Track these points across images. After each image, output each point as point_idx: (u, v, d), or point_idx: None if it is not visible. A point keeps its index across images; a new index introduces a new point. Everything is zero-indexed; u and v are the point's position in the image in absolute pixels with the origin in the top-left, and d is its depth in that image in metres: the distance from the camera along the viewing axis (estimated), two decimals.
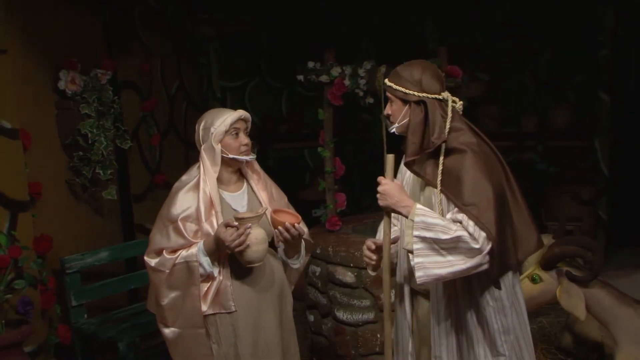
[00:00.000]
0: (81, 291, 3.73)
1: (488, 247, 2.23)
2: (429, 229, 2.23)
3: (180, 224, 2.56)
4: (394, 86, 2.41)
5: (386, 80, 2.46)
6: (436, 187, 2.35)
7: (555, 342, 4.12)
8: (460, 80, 4.05)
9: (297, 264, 2.86)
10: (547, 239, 3.63)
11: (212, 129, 2.60)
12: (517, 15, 6.38)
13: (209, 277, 2.59)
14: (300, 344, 4.48)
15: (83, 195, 4.08)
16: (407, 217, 2.30)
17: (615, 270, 3.98)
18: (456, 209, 2.27)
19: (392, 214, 2.45)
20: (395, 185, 2.37)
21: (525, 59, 6.59)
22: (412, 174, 2.50)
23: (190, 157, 5.39)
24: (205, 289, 2.59)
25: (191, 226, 2.58)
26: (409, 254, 2.29)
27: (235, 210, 2.66)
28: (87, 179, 3.97)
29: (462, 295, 2.42)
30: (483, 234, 2.22)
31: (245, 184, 2.77)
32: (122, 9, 4.69)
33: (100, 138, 3.97)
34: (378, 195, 2.37)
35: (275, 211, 2.69)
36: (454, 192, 2.29)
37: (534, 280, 3.39)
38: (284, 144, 6.82)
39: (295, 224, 2.64)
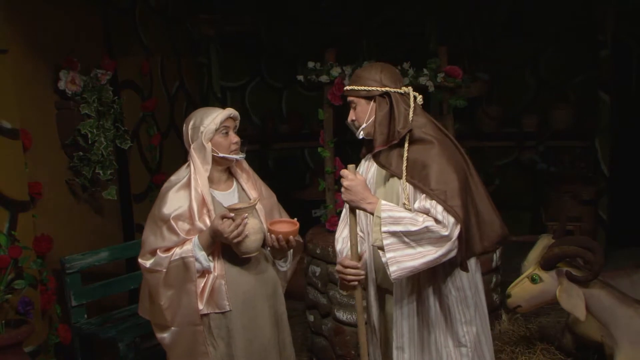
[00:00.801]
0: (81, 291, 3.73)
1: (456, 232, 2.28)
2: (397, 222, 2.26)
3: (172, 222, 2.56)
4: (356, 87, 2.47)
5: (346, 87, 2.52)
6: (401, 178, 2.39)
7: (555, 342, 4.11)
8: (461, 80, 4.05)
9: (284, 267, 2.85)
10: (547, 239, 3.64)
11: (202, 128, 2.59)
12: (518, 14, 6.38)
13: (204, 273, 2.58)
14: (301, 344, 4.52)
15: (83, 195, 4.09)
16: (372, 213, 2.32)
17: (616, 270, 3.98)
18: (424, 195, 2.32)
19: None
20: (360, 181, 2.38)
21: (526, 58, 6.59)
22: (373, 174, 2.54)
23: None
24: (202, 285, 2.58)
25: (183, 225, 2.57)
26: (380, 252, 2.31)
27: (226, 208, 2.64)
28: (87, 179, 3.97)
29: (426, 285, 2.44)
30: (452, 219, 2.27)
31: (235, 182, 2.76)
32: (122, 9, 4.69)
33: (100, 138, 3.97)
34: (342, 190, 2.37)
35: (272, 222, 2.68)
36: (421, 180, 2.34)
37: (533, 280, 3.39)
38: (284, 143, 6.82)
39: (291, 238, 2.64)
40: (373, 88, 2.44)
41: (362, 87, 2.46)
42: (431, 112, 5.33)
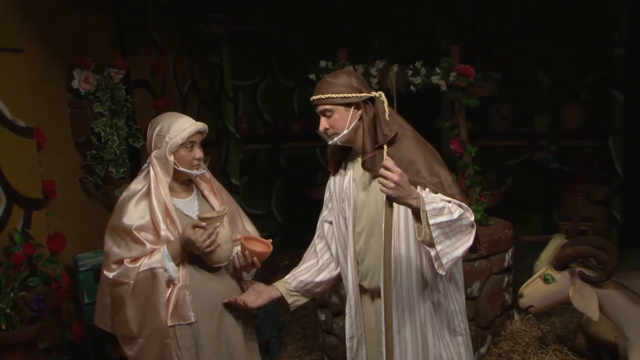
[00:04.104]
0: (94, 289, 3.73)
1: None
2: (440, 213, 2.23)
3: (135, 233, 2.49)
4: (333, 95, 2.41)
5: (319, 96, 2.44)
6: None
7: (568, 342, 4.10)
8: (473, 79, 4.04)
9: (247, 277, 2.79)
10: (560, 239, 3.62)
11: (167, 138, 2.51)
12: (530, 13, 6.35)
13: (169, 283, 2.50)
14: (312, 343, 4.53)
15: (96, 193, 4.11)
16: (417, 208, 2.23)
17: (629, 271, 3.96)
18: (427, 189, 2.33)
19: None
20: (405, 174, 2.26)
21: (538, 57, 6.56)
22: (349, 184, 2.53)
23: None
24: (167, 296, 2.50)
25: (147, 235, 2.50)
26: (428, 247, 2.28)
27: (187, 216, 2.59)
28: (100, 178, 4.00)
29: (419, 280, 2.43)
30: (466, 206, 2.32)
31: (195, 189, 2.69)
32: (134, 8, 4.71)
33: (113, 137, 3.99)
34: (392, 185, 2.18)
35: (246, 238, 2.63)
36: (414, 174, 2.33)
37: (546, 280, 3.37)
38: (295, 142, 6.83)
39: (255, 260, 2.59)
40: (352, 95, 2.41)
41: (341, 95, 2.41)
42: (443, 111, 5.34)
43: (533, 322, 4.38)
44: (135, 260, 2.49)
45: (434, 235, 2.21)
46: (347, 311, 2.62)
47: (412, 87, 4.03)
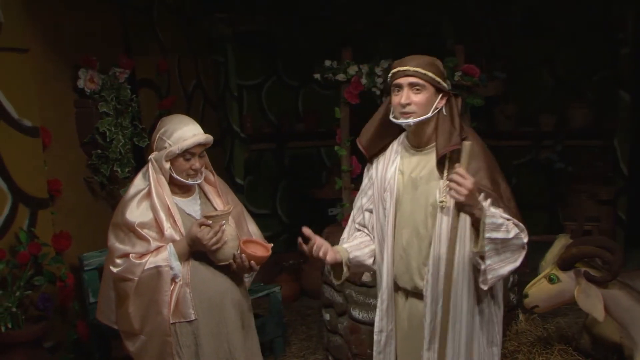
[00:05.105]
0: (99, 288, 3.75)
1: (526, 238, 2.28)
2: (498, 229, 2.18)
3: (138, 229, 2.49)
4: (431, 74, 2.24)
5: (416, 69, 2.24)
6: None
7: (573, 343, 4.08)
8: (478, 79, 4.04)
9: (247, 278, 2.79)
10: (565, 239, 3.61)
11: (167, 143, 2.51)
12: (535, 12, 6.33)
13: (171, 281, 2.51)
14: (316, 343, 4.53)
15: (101, 192, 4.12)
16: (479, 218, 2.17)
17: (635, 271, 3.94)
18: (489, 200, 2.22)
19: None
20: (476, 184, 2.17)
21: (544, 57, 6.54)
22: (393, 175, 2.42)
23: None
24: (169, 294, 2.51)
25: (150, 232, 2.51)
26: (479, 259, 2.22)
27: (189, 215, 2.60)
28: (105, 177, 4.01)
29: (462, 287, 2.37)
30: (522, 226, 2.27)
31: (197, 189, 2.69)
32: (140, 8, 4.72)
33: (118, 136, 4.01)
34: (465, 192, 2.10)
35: (245, 241, 2.63)
36: (477, 182, 2.22)
37: (551, 280, 3.36)
38: (300, 142, 6.82)
39: (252, 263, 2.59)
40: (444, 83, 2.29)
41: (438, 78, 2.25)
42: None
43: (538, 322, 4.37)
44: (140, 256, 2.50)
45: (486, 249, 2.18)
46: (378, 304, 2.55)
47: None
